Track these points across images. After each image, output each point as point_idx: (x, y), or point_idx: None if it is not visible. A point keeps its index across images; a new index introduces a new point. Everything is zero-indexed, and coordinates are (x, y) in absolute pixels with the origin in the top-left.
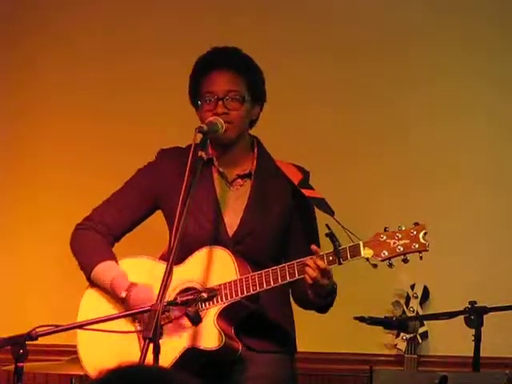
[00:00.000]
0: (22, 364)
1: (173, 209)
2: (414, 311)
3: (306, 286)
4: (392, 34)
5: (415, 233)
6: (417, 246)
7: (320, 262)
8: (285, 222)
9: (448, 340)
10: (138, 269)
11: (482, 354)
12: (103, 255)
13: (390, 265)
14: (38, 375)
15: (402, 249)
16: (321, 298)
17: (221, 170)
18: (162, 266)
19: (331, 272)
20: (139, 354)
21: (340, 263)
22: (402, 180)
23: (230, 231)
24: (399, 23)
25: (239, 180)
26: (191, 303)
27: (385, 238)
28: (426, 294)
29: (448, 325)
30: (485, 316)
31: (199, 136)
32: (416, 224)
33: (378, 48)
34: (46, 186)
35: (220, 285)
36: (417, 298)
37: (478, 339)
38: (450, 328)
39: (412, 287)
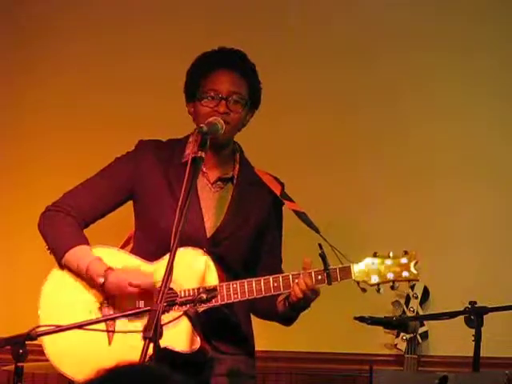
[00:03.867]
0: (21, 364)
1: (147, 202)
2: (414, 311)
3: (280, 298)
4: (391, 36)
5: (406, 261)
6: (407, 274)
7: (309, 281)
8: (261, 231)
9: (448, 340)
10: (111, 260)
11: (482, 354)
12: (77, 239)
13: (378, 290)
14: (38, 375)
15: (392, 276)
16: (294, 311)
17: (204, 169)
18: (133, 261)
19: (319, 289)
20: (110, 351)
21: (329, 283)
22: (402, 180)
23: (209, 232)
24: (398, 25)
25: (220, 182)
26: (190, 304)
27: (375, 263)
28: (426, 294)
29: (448, 325)
30: (485, 316)
31: (199, 136)
32: (406, 252)
33: (376, 49)
34: (45, 188)
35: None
36: (417, 298)
37: (477, 339)
38: (450, 328)
39: (412, 287)
